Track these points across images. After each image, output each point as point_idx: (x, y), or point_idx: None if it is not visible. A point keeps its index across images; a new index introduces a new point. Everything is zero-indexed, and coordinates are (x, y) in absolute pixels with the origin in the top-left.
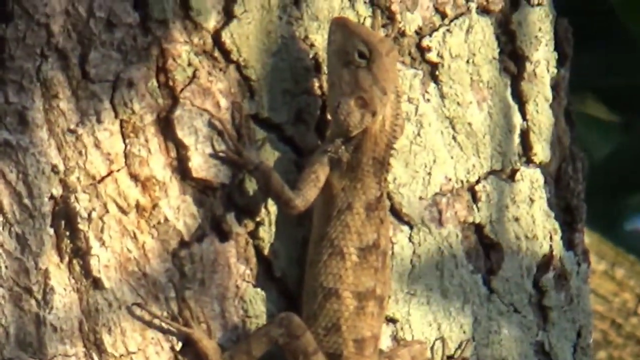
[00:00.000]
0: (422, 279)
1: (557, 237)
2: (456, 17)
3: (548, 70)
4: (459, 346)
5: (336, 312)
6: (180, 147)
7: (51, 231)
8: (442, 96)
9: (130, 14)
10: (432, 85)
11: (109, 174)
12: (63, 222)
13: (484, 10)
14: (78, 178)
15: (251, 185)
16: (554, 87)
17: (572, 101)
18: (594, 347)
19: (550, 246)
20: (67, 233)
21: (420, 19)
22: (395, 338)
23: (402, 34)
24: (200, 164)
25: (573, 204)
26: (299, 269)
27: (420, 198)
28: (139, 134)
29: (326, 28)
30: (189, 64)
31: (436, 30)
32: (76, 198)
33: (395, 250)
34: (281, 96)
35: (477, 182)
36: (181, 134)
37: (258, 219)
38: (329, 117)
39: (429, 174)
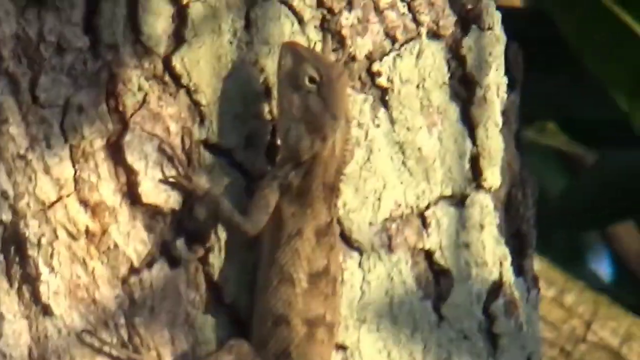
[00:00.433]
0: (371, 305)
1: (507, 264)
2: (406, 42)
3: (498, 95)
4: None
5: (286, 339)
6: (130, 172)
7: (0, 257)
8: (392, 121)
9: (81, 38)
10: (382, 110)
11: (58, 200)
12: (12, 248)
13: (434, 35)
14: (27, 204)
15: (201, 211)
16: (504, 112)
17: (521, 128)
18: None
19: (500, 272)
20: (17, 259)
21: (371, 44)
22: None
23: (353, 58)
24: (150, 189)
25: (523, 230)
26: (249, 295)
27: (370, 224)
28: (88, 159)
29: (276, 53)
30: (139, 89)
31: (386, 54)
32: (26, 224)
33: (345, 277)
34: (231, 121)
35: (427, 207)
36: (131, 159)
37: (208, 245)
38: (279, 142)
39: (379, 199)
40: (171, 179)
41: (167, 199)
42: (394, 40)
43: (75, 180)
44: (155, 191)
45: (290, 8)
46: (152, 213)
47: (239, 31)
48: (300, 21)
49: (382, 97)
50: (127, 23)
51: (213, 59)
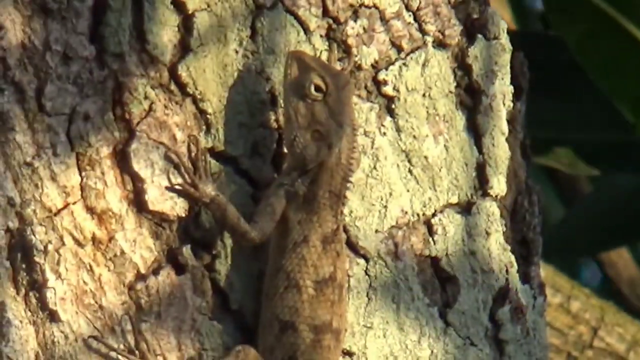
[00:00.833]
0: (378, 311)
1: (513, 270)
2: (412, 51)
3: (504, 104)
4: None
5: (293, 345)
6: (137, 179)
7: (7, 264)
8: (398, 130)
9: (87, 47)
10: (388, 118)
11: (65, 207)
12: (19, 255)
13: (440, 44)
14: (34, 211)
15: (207, 218)
16: (510, 120)
17: (527, 135)
18: None
19: (507, 279)
20: (23, 266)
21: (377, 53)
22: None
23: (358, 67)
24: (156, 197)
25: (529, 237)
26: (255, 302)
27: (377, 231)
28: (95, 166)
29: (282, 61)
30: (145, 97)
31: (392, 64)
32: (32, 231)
33: (351, 283)
34: (237, 129)
35: (434, 215)
36: (137, 166)
37: (214, 252)
38: (285, 150)
39: (385, 207)
40: (177, 187)
41: (173, 206)
42: (399, 49)
43: (82, 188)
44: (162, 198)
45: (296, 17)
46: (159, 220)
47: (245, 40)
48: (306, 30)
49: (388, 106)
50: (132, 32)
51: (219, 67)
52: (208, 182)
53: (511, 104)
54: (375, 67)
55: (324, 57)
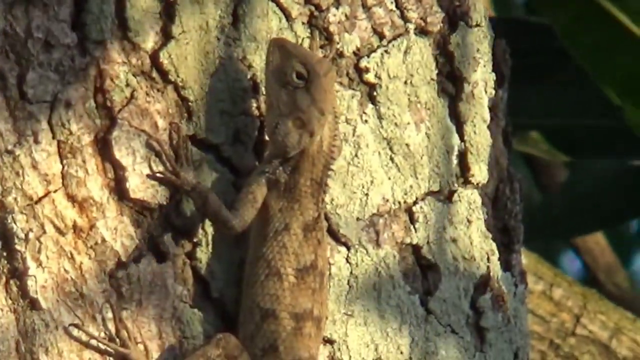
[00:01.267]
0: (359, 299)
1: (495, 258)
2: (394, 38)
3: (486, 91)
4: None
5: (273, 333)
6: (118, 167)
7: None
8: (380, 117)
9: (68, 35)
10: (370, 106)
11: (46, 195)
12: (0, 243)
13: (422, 32)
14: (15, 199)
15: (188, 206)
16: (492, 108)
17: (509, 123)
18: None
19: (488, 267)
20: (4, 254)
21: (359, 40)
22: (332, 359)
23: (340, 54)
24: (137, 185)
25: (510, 225)
26: (236, 290)
27: (358, 219)
28: (76, 154)
29: (264, 49)
30: (127, 85)
31: (374, 51)
32: (13, 219)
33: (332, 271)
34: (219, 117)
35: (415, 203)
36: (119, 154)
37: (195, 240)
38: (266, 137)
39: (367, 195)
40: (159, 175)
41: (154, 194)
42: (381, 36)
43: (63, 176)
44: (143, 186)
45: (278, 4)
46: (140, 208)
47: (227, 27)
48: (288, 17)
49: (370, 93)
50: (114, 19)
51: (200, 55)
52: (189, 170)
53: (493, 92)
54: (357, 54)
55: (306, 44)
